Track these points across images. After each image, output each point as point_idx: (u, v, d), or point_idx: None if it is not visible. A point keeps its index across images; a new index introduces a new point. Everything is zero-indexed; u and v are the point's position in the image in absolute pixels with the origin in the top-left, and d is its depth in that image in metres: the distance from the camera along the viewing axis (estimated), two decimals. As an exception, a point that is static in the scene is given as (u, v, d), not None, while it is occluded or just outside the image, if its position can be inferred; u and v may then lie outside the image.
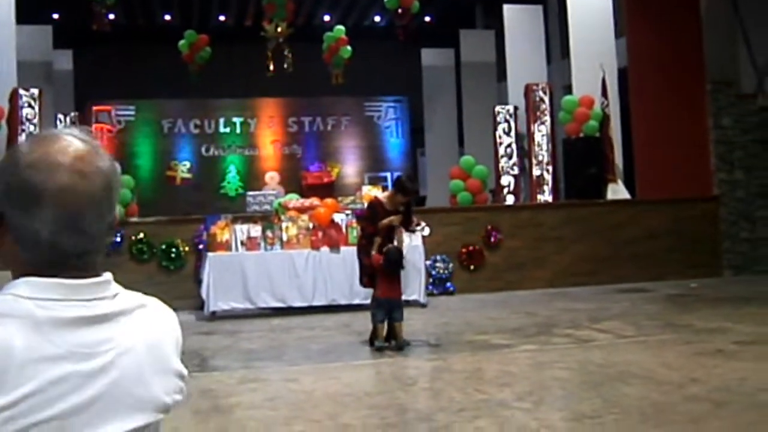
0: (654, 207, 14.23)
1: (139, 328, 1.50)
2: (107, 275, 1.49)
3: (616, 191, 14.80)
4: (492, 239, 13.47)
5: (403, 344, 8.53)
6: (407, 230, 8.99)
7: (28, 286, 1.41)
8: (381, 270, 8.62)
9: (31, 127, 13.79)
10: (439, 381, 7.24)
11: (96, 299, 1.44)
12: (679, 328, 9.20)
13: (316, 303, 11.58)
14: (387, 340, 8.63)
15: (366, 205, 10.13)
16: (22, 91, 13.96)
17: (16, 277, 1.44)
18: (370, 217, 8.95)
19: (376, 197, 9.43)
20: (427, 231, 8.68)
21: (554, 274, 13.53)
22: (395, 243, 8.71)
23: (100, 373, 1.41)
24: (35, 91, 14.10)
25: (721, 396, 6.03)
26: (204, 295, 11.25)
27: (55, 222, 1.40)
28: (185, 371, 1.59)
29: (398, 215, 8.68)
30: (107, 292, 1.47)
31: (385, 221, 8.66)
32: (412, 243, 10.45)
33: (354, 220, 11.92)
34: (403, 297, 9.14)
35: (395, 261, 8.54)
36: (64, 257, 1.43)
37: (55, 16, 22.12)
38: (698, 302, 11.38)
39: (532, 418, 5.70)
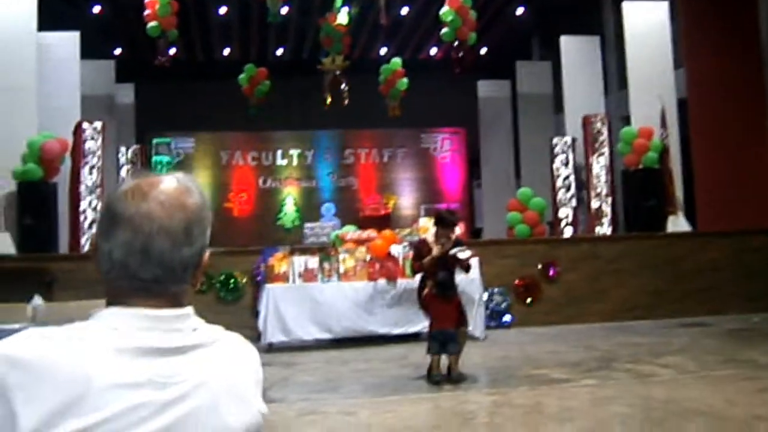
0: (715, 239, 13.99)
1: (218, 362, 1.54)
2: (188, 308, 1.54)
3: (677, 223, 14.59)
4: (550, 272, 13.34)
5: (459, 378, 8.46)
6: (457, 264, 8.86)
7: (110, 314, 1.49)
8: (432, 301, 8.62)
9: (94, 160, 14.06)
10: (498, 416, 7.17)
11: (175, 331, 1.49)
12: (741, 364, 9.01)
13: (371, 333, 11.56)
14: (448, 372, 8.58)
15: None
16: (85, 125, 14.24)
17: (107, 305, 1.52)
18: (415, 256, 9.03)
19: (425, 237, 9.42)
20: (467, 254, 8.57)
21: (613, 308, 13.34)
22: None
23: (175, 403, 1.44)
24: (98, 124, 14.37)
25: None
26: (261, 326, 11.30)
27: (126, 244, 1.48)
28: (265, 409, 1.61)
29: (442, 248, 8.65)
30: (187, 324, 1.52)
31: (427, 258, 8.65)
32: (470, 276, 10.37)
33: (411, 253, 11.91)
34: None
35: (447, 287, 8.53)
36: (136, 281, 1.50)
37: (118, 51, 22.63)
38: (760, 337, 11.13)
39: (593, 455, 5.61)
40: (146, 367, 1.43)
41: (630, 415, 6.84)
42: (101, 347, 1.41)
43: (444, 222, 8.83)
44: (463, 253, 8.57)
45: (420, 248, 8.96)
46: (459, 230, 9.19)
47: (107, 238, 1.50)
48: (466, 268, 8.85)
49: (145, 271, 1.49)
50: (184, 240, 1.52)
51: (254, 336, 11.42)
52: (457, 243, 8.79)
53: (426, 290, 8.70)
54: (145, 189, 1.52)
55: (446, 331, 8.50)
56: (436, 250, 8.62)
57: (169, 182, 1.55)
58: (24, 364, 1.37)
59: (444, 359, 8.57)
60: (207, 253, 1.59)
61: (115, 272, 1.50)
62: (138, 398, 1.40)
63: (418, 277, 9.14)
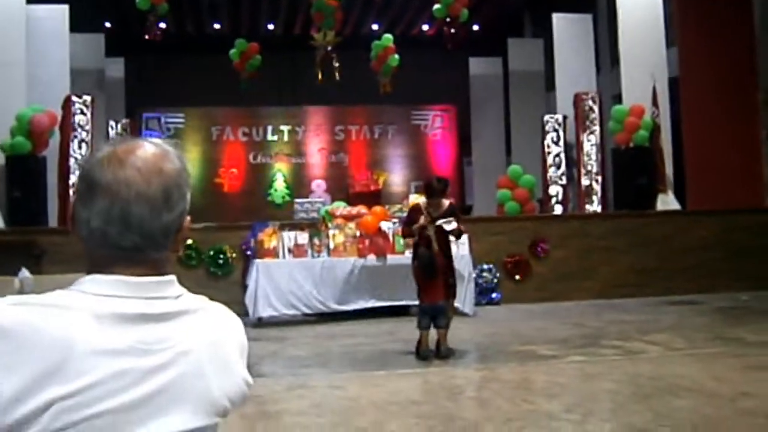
0: (704, 218, 14.02)
1: (202, 329, 1.52)
2: (171, 276, 1.53)
3: (666, 202, 14.62)
4: (539, 250, 13.37)
5: (448, 353, 8.49)
6: (446, 233, 8.80)
7: (91, 282, 1.47)
8: (419, 276, 8.64)
9: (84, 134, 14.00)
10: (486, 391, 7.19)
11: (158, 298, 1.48)
12: (730, 341, 9.06)
13: (360, 307, 11.58)
14: (436, 348, 8.60)
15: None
16: (75, 98, 14.17)
17: (87, 273, 1.49)
18: (408, 221, 9.02)
19: (417, 203, 9.39)
20: (453, 225, 8.55)
21: (602, 286, 13.38)
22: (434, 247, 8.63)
23: (158, 371, 1.43)
24: (88, 98, 14.30)
25: (775, 411, 5.91)
26: (248, 301, 11.30)
27: (105, 212, 1.46)
28: (250, 378, 1.61)
29: (428, 217, 8.64)
30: (170, 291, 1.51)
31: (414, 226, 8.66)
32: (459, 252, 10.38)
33: (401, 229, 11.93)
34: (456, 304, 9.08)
35: (426, 265, 8.52)
36: (116, 250, 1.48)
37: (108, 24, 22.48)
38: (749, 315, 11.19)
39: (580, 429, 5.64)
40: (128, 333, 1.42)
41: (617, 391, 6.87)
42: (82, 314, 1.39)
43: (432, 190, 8.84)
44: (448, 225, 8.56)
45: (412, 215, 8.98)
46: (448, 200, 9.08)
47: (85, 205, 1.48)
48: (457, 235, 8.81)
49: (125, 239, 1.47)
50: (164, 206, 1.49)
51: (245, 311, 11.45)
52: (451, 210, 8.78)
53: (415, 263, 8.72)
54: (121, 155, 1.49)
55: (435, 304, 8.52)
56: (422, 219, 8.63)
57: (146, 148, 1.52)
58: (4, 330, 1.35)
59: (433, 334, 8.58)
60: (187, 218, 1.57)
61: (94, 240, 1.49)
62: (120, 365, 1.39)
63: (409, 251, 9.13)
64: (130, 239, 1.47)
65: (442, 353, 8.47)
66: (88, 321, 1.39)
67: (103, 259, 1.49)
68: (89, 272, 1.49)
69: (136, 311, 1.44)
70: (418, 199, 13.00)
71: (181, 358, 1.47)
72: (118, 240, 1.47)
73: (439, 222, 8.56)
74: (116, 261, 1.48)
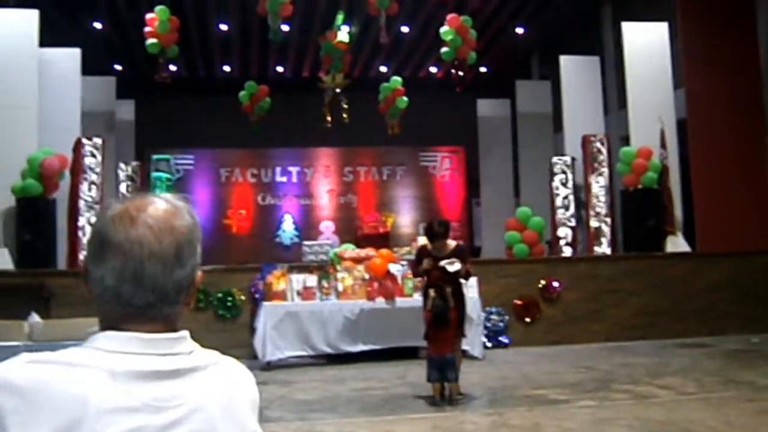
0: (714, 260, 13.97)
1: (213, 385, 1.53)
2: (184, 332, 1.53)
3: (676, 244, 14.59)
4: (551, 291, 13.32)
5: (459, 399, 8.44)
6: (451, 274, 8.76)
7: (105, 339, 1.48)
8: (429, 324, 8.57)
9: (93, 176, 14.06)
10: (495, 436, 7.14)
11: (171, 354, 1.49)
12: (741, 385, 8.98)
13: (369, 349, 11.53)
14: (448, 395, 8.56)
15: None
16: (85, 141, 14.25)
17: (100, 329, 1.51)
18: (416, 262, 9.07)
19: (425, 244, 9.39)
20: (456, 267, 8.52)
21: (612, 328, 13.31)
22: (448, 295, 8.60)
23: (172, 427, 1.44)
24: (98, 141, 14.38)
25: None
26: (257, 344, 11.26)
27: (118, 271, 1.47)
28: None
29: (430, 260, 8.64)
30: (183, 347, 1.52)
31: (421, 268, 8.68)
32: (468, 294, 10.35)
33: (409, 272, 11.95)
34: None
35: (438, 315, 8.45)
36: (130, 307, 1.49)
37: (119, 67, 22.67)
38: (760, 358, 11.11)
39: (592, 477, 5.58)
40: (142, 391, 1.43)
41: (629, 437, 6.81)
42: (96, 371, 1.40)
43: (432, 233, 8.85)
44: (450, 266, 8.53)
45: (419, 255, 9.00)
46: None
47: (98, 263, 1.49)
48: (464, 276, 8.76)
49: (139, 297, 1.48)
50: (176, 263, 1.51)
51: (253, 354, 11.40)
52: (458, 251, 8.75)
53: (426, 309, 8.66)
54: (133, 213, 1.50)
55: (444, 356, 8.45)
56: (425, 263, 8.62)
57: (157, 205, 1.54)
58: (19, 389, 1.36)
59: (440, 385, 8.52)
60: (199, 273, 1.58)
61: (107, 298, 1.50)
62: (135, 422, 1.40)
63: (418, 294, 9.10)
64: (144, 297, 1.49)
65: (453, 400, 8.42)
66: (102, 379, 1.40)
67: (117, 316, 1.50)
68: (102, 328, 1.50)
69: (150, 368, 1.45)
70: (426, 241, 13.02)
71: (193, 415, 1.47)
72: (132, 298, 1.48)
73: (442, 263, 8.54)
74: (129, 318, 1.49)
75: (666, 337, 13.05)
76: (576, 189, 16.70)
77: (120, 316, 1.50)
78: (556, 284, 13.34)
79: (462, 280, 8.77)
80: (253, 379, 1.67)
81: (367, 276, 11.85)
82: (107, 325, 1.50)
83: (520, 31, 22.41)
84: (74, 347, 1.47)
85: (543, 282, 13.35)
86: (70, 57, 15.61)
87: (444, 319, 8.42)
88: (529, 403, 8.39)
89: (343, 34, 16.78)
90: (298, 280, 11.74)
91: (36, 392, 1.36)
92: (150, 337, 1.48)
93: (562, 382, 9.54)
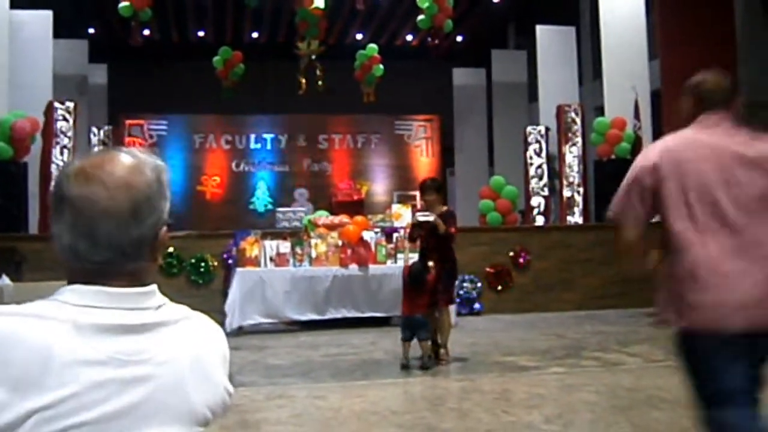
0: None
1: (182, 339, 1.53)
2: (152, 286, 1.53)
3: (647, 214, 14.66)
4: (521, 260, 13.41)
5: (428, 364, 8.50)
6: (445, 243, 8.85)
7: (71, 292, 1.47)
8: (405, 285, 8.67)
9: (66, 140, 13.94)
10: (466, 402, 7.20)
11: (138, 309, 1.48)
12: (709, 353, 9.08)
13: (341, 316, 11.58)
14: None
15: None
16: (57, 104, 14.10)
17: (68, 284, 1.51)
18: (410, 227, 9.38)
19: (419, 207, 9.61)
20: (429, 218, 8.62)
21: (583, 297, 13.43)
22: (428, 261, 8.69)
23: (138, 381, 1.44)
24: (70, 105, 14.24)
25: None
26: (228, 310, 11.26)
27: (72, 228, 1.47)
28: (231, 388, 1.61)
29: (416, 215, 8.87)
30: (150, 302, 1.51)
31: (412, 221, 8.95)
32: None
33: (383, 238, 12.01)
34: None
35: (413, 277, 8.57)
36: (90, 264, 1.49)
37: (91, 30, 22.39)
38: (729, 327, 11.22)
39: (560, 441, 5.65)
40: (108, 344, 1.42)
41: (597, 403, 6.89)
42: (62, 324, 1.40)
43: (424, 186, 9.00)
44: (423, 217, 8.67)
45: (414, 215, 9.38)
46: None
47: (56, 220, 1.50)
48: (446, 236, 8.79)
49: (95, 254, 1.48)
50: (131, 221, 1.49)
51: (224, 319, 11.41)
52: (447, 214, 8.86)
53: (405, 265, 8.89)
54: (88, 170, 1.49)
55: (413, 317, 8.56)
56: (413, 218, 8.96)
57: (115, 162, 1.52)
58: None
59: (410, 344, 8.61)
60: (164, 229, 1.57)
61: (66, 254, 1.50)
62: (100, 375, 1.40)
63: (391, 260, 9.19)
64: (101, 254, 1.48)
65: (424, 364, 8.48)
66: (67, 331, 1.39)
67: (81, 272, 1.50)
68: (70, 282, 1.50)
69: (116, 322, 1.44)
70: (400, 209, 13.07)
71: (160, 369, 1.47)
72: (89, 254, 1.48)
73: (417, 214, 8.71)
74: (92, 273, 1.49)
75: (636, 306, 13.13)
76: (549, 159, 16.77)
77: (83, 272, 1.49)
78: (525, 256, 13.42)
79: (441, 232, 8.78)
80: (222, 334, 1.67)
81: (340, 243, 11.86)
82: (74, 281, 1.50)
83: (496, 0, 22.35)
84: (40, 300, 1.46)
85: (512, 252, 13.42)
86: (41, 19, 15.39)
87: (418, 281, 8.52)
88: (499, 369, 8.46)
89: (319, 1, 16.65)
90: (272, 246, 11.73)
91: (0, 343, 1.36)
92: (116, 291, 1.48)
93: (533, 349, 9.63)
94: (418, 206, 9.18)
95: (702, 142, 3.47)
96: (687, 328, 3.38)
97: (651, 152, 3.67)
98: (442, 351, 8.83)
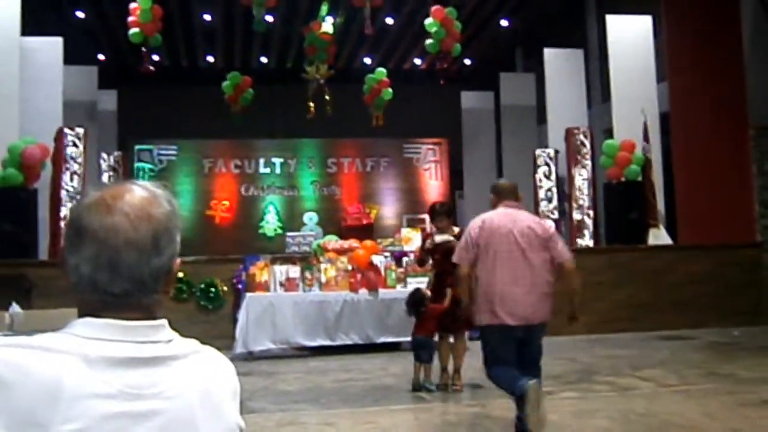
0: (696, 253, 14.02)
1: (193, 374, 1.52)
2: (162, 320, 1.53)
3: (658, 236, 14.63)
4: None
5: (423, 385, 8.50)
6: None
7: (82, 325, 1.47)
8: (409, 307, 8.82)
9: (75, 166, 13.96)
10: (478, 428, 7.15)
11: (149, 342, 1.49)
12: (722, 378, 9.03)
13: (351, 342, 11.54)
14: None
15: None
16: (67, 130, 14.15)
17: (79, 317, 1.50)
18: (419, 251, 9.47)
19: (429, 232, 9.63)
20: (446, 237, 8.66)
21: (594, 320, 13.33)
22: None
23: (148, 416, 1.43)
24: (80, 131, 14.26)
25: (769, 449, 5.88)
26: (238, 335, 11.23)
27: (94, 259, 1.47)
28: (243, 423, 1.60)
29: (431, 240, 8.89)
30: (161, 335, 1.51)
31: (426, 246, 9.03)
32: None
33: (393, 263, 11.98)
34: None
35: (411, 303, 8.73)
36: (107, 296, 1.48)
37: (101, 57, 22.53)
38: (741, 351, 11.16)
39: (573, 468, 5.59)
40: (118, 377, 1.41)
41: (610, 429, 6.84)
42: (72, 357, 1.39)
43: (434, 212, 9.02)
44: (439, 236, 8.73)
45: (424, 240, 9.38)
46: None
47: (74, 252, 1.49)
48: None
49: (115, 286, 1.48)
50: (153, 251, 1.50)
51: (234, 345, 11.38)
52: (462, 234, 8.85)
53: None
54: (109, 201, 1.50)
55: (416, 337, 8.71)
56: (428, 243, 8.93)
57: (134, 192, 1.53)
58: None
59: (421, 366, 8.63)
60: (177, 261, 1.57)
61: (83, 286, 1.49)
62: (110, 409, 1.39)
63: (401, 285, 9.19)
64: (121, 285, 1.48)
65: (416, 386, 8.56)
66: (77, 364, 1.38)
67: (94, 304, 1.49)
68: (80, 315, 1.49)
69: (126, 355, 1.44)
70: (410, 233, 13.06)
71: (171, 403, 1.46)
72: (108, 286, 1.48)
73: (436, 237, 8.73)
74: (107, 306, 1.48)
75: (648, 329, 13.10)
76: (559, 181, 16.74)
77: (98, 304, 1.49)
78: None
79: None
80: (233, 368, 1.66)
81: (350, 267, 11.84)
82: (85, 313, 1.49)
83: (504, 23, 22.41)
84: (51, 333, 1.45)
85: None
86: (52, 46, 15.47)
87: (412, 305, 8.77)
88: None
89: (328, 25, 16.73)
90: (281, 271, 11.72)
91: (9, 376, 1.35)
92: (128, 324, 1.47)
93: (545, 374, 9.47)
94: (428, 230, 9.17)
95: (500, 218, 6.67)
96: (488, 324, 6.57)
97: (475, 223, 6.75)
98: (455, 376, 8.78)
